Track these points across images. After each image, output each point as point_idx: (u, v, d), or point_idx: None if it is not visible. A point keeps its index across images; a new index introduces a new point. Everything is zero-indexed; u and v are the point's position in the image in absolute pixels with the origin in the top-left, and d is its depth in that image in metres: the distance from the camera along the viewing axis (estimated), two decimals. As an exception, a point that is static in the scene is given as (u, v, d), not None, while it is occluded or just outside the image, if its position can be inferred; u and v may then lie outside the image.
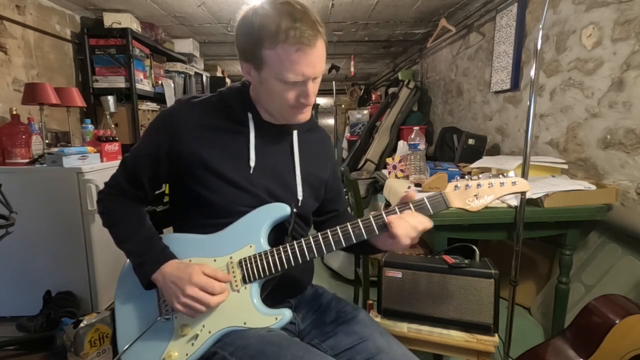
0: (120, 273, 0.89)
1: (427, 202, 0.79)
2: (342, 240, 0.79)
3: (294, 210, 0.85)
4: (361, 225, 0.78)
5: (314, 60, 0.75)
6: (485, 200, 0.79)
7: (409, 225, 0.75)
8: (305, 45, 0.72)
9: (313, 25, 0.73)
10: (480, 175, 0.81)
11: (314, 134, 0.98)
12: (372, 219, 0.78)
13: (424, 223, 0.76)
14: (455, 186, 0.80)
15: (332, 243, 0.79)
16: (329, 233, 0.79)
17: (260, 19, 0.73)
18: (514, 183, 0.79)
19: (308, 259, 0.80)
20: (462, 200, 0.79)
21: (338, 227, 0.79)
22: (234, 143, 0.85)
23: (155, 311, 0.84)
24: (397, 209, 0.78)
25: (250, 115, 0.87)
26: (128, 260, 0.87)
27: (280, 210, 0.83)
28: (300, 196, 0.90)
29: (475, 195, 0.79)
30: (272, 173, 0.87)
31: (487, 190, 0.79)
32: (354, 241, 0.79)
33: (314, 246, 0.79)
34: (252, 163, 0.85)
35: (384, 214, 0.78)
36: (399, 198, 0.82)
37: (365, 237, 0.78)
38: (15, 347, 1.70)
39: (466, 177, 0.82)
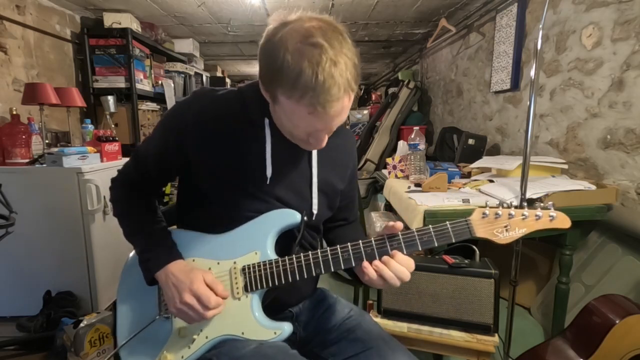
0: (124, 265, 0.88)
1: (450, 229, 0.71)
2: (352, 260, 0.73)
3: (305, 219, 0.80)
4: (374, 245, 0.73)
5: (329, 121, 0.67)
6: (516, 234, 0.70)
7: (394, 276, 0.71)
8: (320, 111, 0.64)
9: (339, 86, 0.62)
10: (514, 202, 0.75)
11: (337, 138, 0.87)
12: (387, 241, 0.73)
13: (406, 278, 0.72)
14: (483, 214, 0.71)
15: (341, 261, 0.74)
16: (338, 250, 0.74)
17: (282, 58, 0.62)
18: (551, 217, 0.70)
19: (314, 274, 0.76)
20: (490, 231, 0.71)
21: (349, 245, 0.74)
22: (249, 149, 0.80)
23: (155, 309, 0.83)
24: (402, 243, 0.72)
25: (267, 121, 0.80)
26: (132, 252, 0.86)
27: (290, 217, 0.79)
28: (315, 209, 0.85)
29: (505, 227, 0.70)
30: (287, 183, 0.82)
31: (520, 222, 0.70)
32: (365, 261, 0.74)
33: (321, 262, 0.75)
34: (269, 174, 0.80)
35: (400, 236, 0.73)
36: (398, 201, 0.80)
37: (378, 258, 0.72)
38: (15, 347, 1.70)
39: (497, 203, 0.73)
